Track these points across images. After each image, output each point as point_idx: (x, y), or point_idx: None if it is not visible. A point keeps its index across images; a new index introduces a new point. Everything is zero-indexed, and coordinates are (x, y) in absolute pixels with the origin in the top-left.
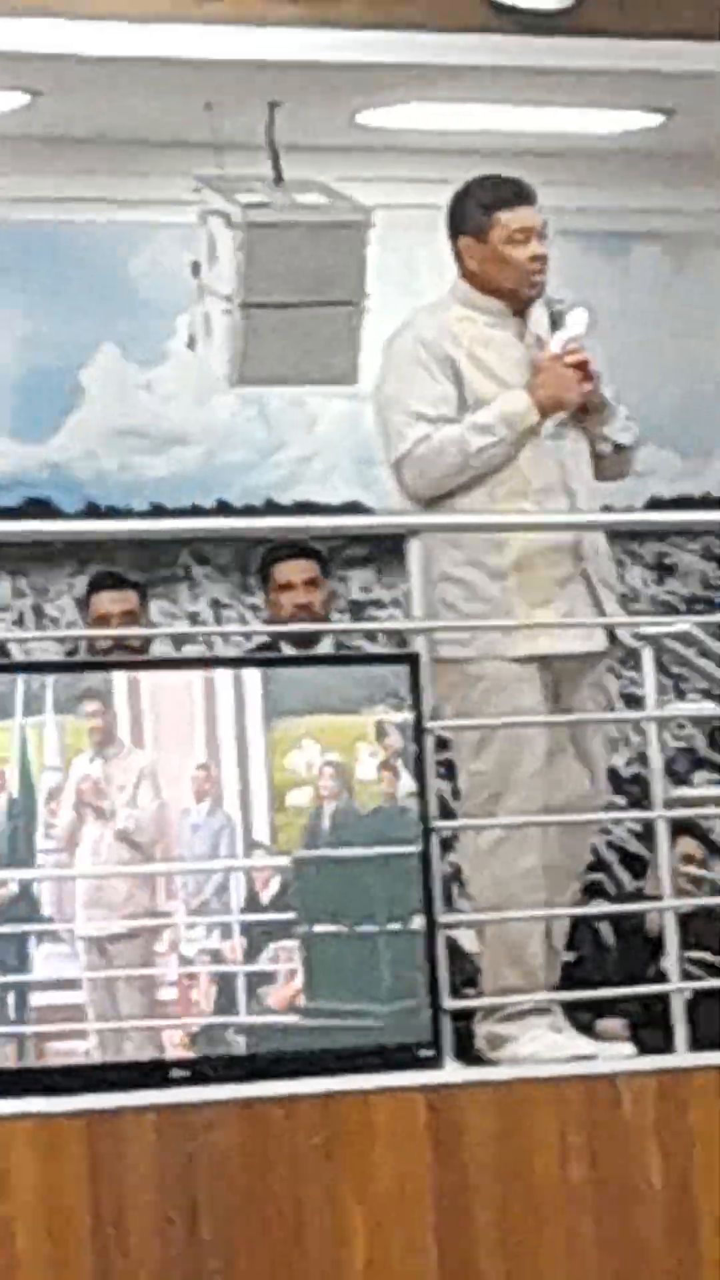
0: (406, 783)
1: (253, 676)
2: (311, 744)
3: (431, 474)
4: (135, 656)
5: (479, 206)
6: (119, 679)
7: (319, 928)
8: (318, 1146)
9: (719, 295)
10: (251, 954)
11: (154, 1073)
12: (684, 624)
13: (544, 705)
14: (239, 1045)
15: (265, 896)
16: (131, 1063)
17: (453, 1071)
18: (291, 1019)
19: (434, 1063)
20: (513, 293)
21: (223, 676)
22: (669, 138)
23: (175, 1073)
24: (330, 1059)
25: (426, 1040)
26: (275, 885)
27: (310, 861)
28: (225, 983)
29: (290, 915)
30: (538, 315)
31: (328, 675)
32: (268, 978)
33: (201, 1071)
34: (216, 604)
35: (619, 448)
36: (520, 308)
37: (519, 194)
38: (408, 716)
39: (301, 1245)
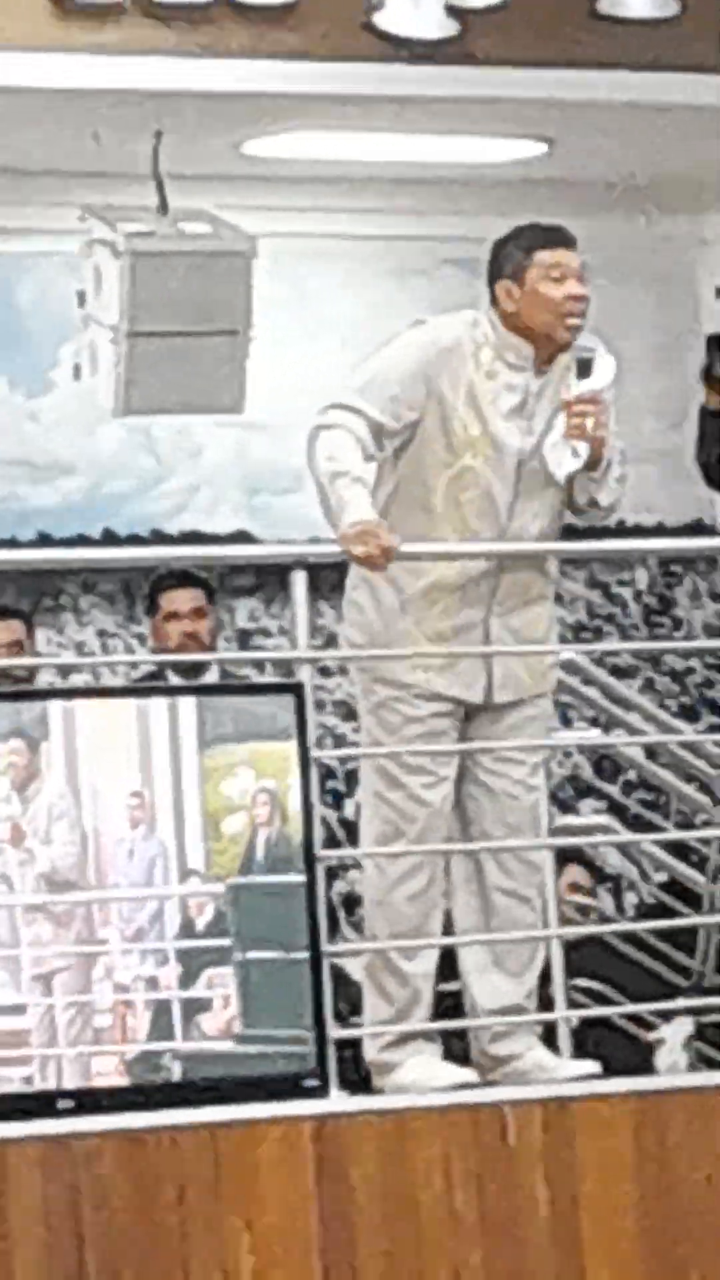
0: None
1: (187, 704)
2: (246, 771)
3: (312, 461)
4: (21, 687)
5: (519, 249)
6: (53, 709)
7: (253, 954)
8: (205, 1177)
9: (605, 322)
10: (187, 981)
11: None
12: (569, 652)
13: (446, 738)
14: (175, 1072)
15: (200, 923)
16: (20, 1094)
17: (339, 1100)
18: (226, 1045)
19: (319, 1092)
20: (546, 335)
21: (157, 705)
22: (553, 166)
23: (61, 1103)
24: (255, 1087)
25: (312, 1069)
26: (210, 912)
27: (245, 888)
28: (161, 1010)
29: (225, 941)
30: (567, 362)
31: (261, 703)
32: (203, 1004)
33: (137, 1099)
34: (102, 633)
35: (594, 503)
36: (551, 354)
37: (559, 236)
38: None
39: (187, 1276)
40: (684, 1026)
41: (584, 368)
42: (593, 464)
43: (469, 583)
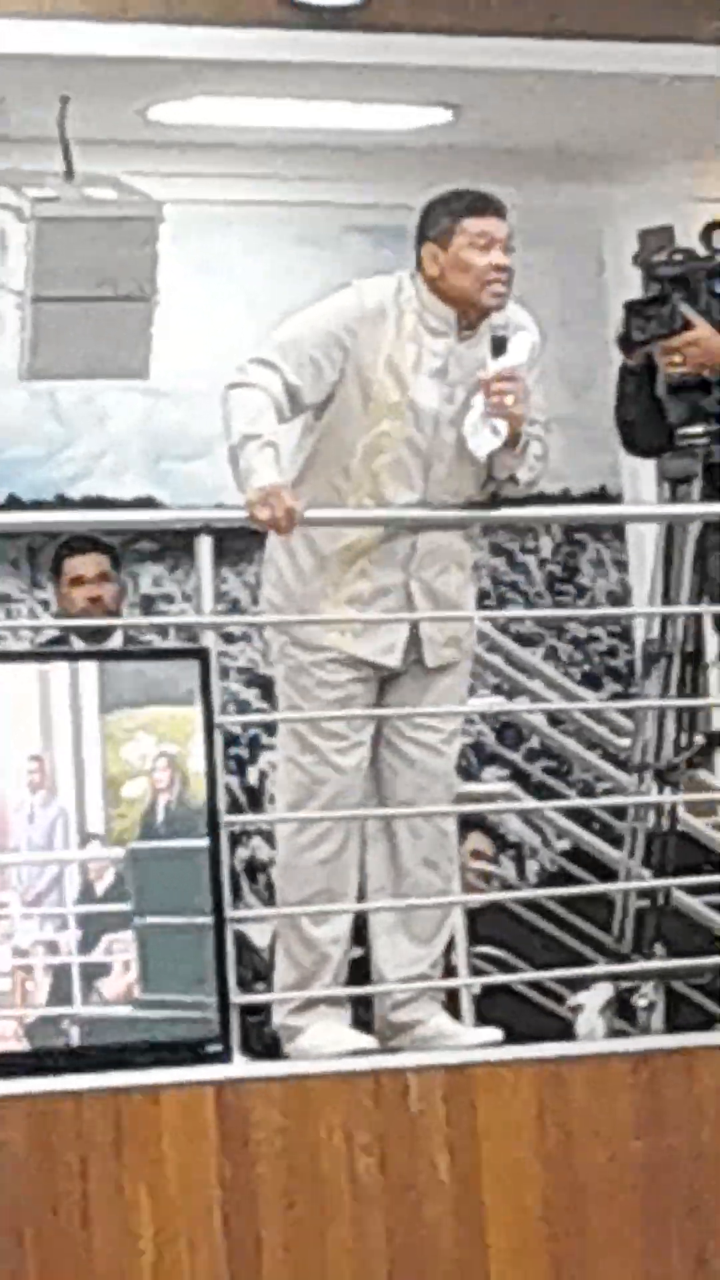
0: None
1: (88, 669)
2: (147, 736)
3: (224, 419)
4: None
5: (447, 214)
6: None
7: (153, 919)
8: (107, 1142)
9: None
10: (87, 946)
11: None
12: (474, 618)
13: (361, 701)
14: (74, 1037)
15: (100, 888)
16: None
17: (241, 1066)
18: (126, 1011)
19: (222, 1057)
20: (469, 301)
21: (58, 669)
22: (458, 134)
23: None
24: (157, 1052)
25: (214, 1035)
26: (110, 877)
27: (145, 853)
28: (60, 975)
29: (125, 906)
30: (486, 343)
31: (162, 668)
32: (103, 969)
33: (37, 1064)
34: (6, 598)
35: (513, 479)
36: (474, 320)
37: (487, 204)
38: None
39: (89, 1242)
40: (602, 993)
41: (499, 345)
42: (512, 441)
43: (386, 545)
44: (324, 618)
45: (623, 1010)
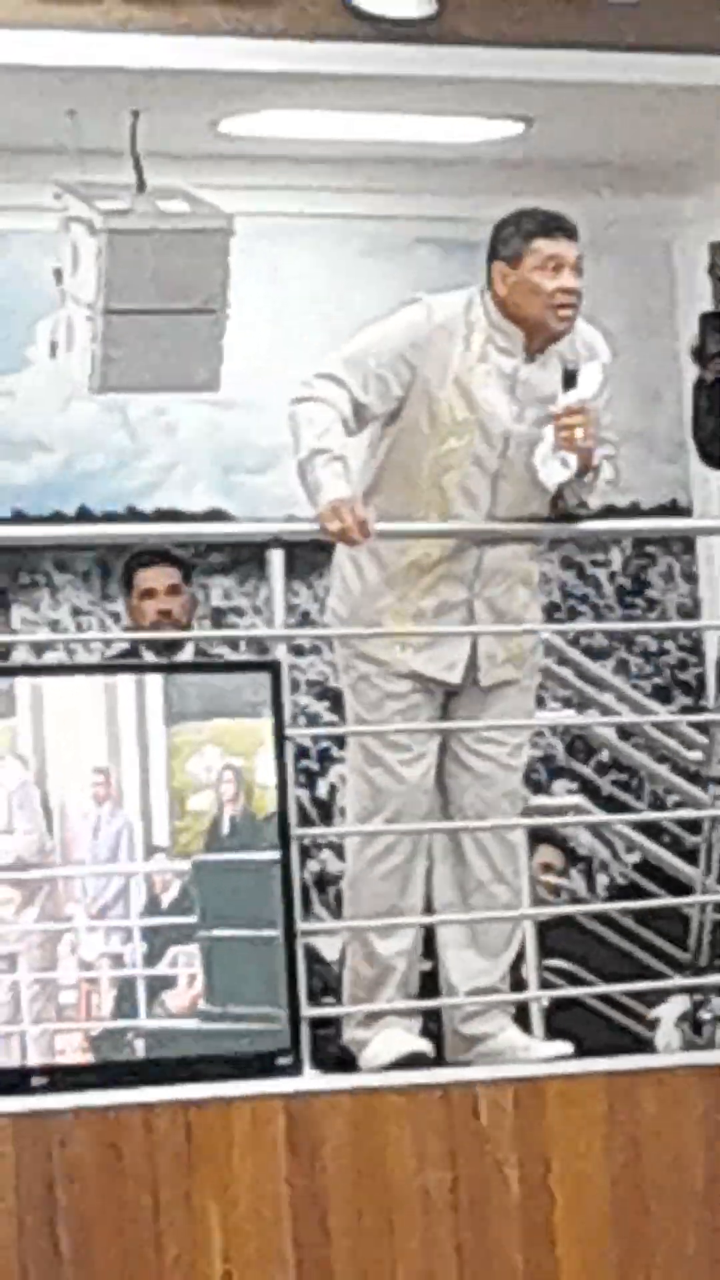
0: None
1: (154, 681)
2: (213, 749)
3: (293, 436)
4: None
5: (518, 234)
6: (21, 686)
7: (219, 932)
8: (177, 1155)
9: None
10: (152, 958)
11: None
12: (544, 632)
13: (425, 714)
14: (139, 1050)
15: (165, 900)
16: None
17: (311, 1079)
18: (192, 1023)
19: (293, 1070)
20: (536, 323)
21: (125, 682)
22: (529, 146)
23: (35, 1080)
24: (226, 1065)
25: (285, 1047)
26: (175, 889)
27: (210, 865)
28: (125, 987)
29: (190, 919)
30: (555, 364)
31: (229, 680)
32: (168, 982)
33: (101, 1077)
34: (77, 611)
35: (583, 505)
36: (542, 343)
37: (559, 226)
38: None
39: (160, 1253)
40: (678, 1005)
41: (569, 378)
42: (582, 471)
43: (451, 561)
44: (391, 630)
45: (693, 1025)
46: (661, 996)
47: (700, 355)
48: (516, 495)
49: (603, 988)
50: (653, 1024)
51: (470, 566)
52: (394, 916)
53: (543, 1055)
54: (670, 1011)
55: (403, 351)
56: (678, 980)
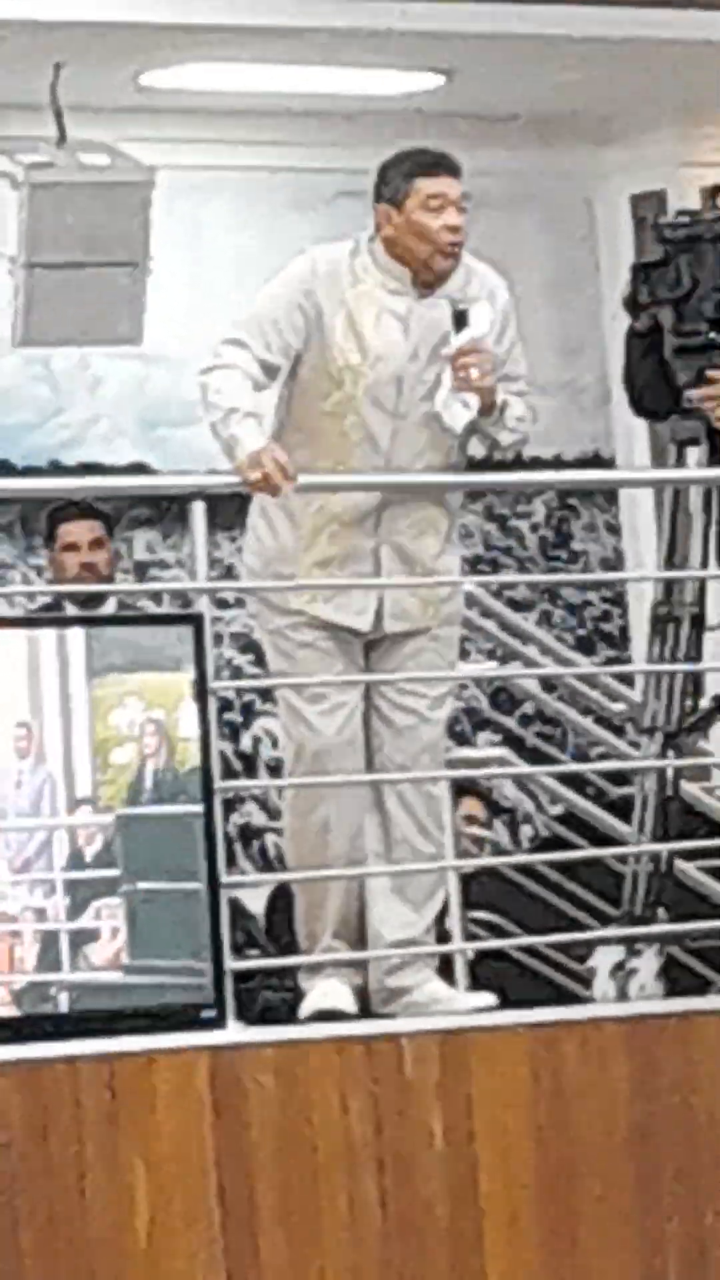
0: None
1: (76, 635)
2: (135, 702)
3: (206, 405)
4: None
5: (400, 174)
6: None
7: (142, 885)
8: (100, 1108)
9: (502, 255)
10: (75, 912)
11: None
12: (466, 584)
13: (341, 665)
14: (63, 1003)
15: (89, 854)
16: None
17: (236, 1032)
18: (115, 977)
19: (217, 1023)
20: (424, 263)
21: (47, 635)
22: (450, 99)
23: None
24: (150, 1019)
25: (209, 1001)
26: (99, 842)
27: (133, 818)
28: (49, 941)
29: (114, 872)
30: (444, 308)
31: (151, 633)
32: (91, 935)
33: (24, 1030)
34: (0, 564)
35: (496, 445)
36: (430, 281)
37: (441, 163)
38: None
39: (84, 1207)
40: (613, 955)
41: (459, 319)
42: (485, 410)
43: (354, 508)
44: (307, 583)
45: (627, 974)
46: (588, 948)
47: (632, 305)
48: (418, 438)
49: (527, 939)
50: (580, 975)
51: (375, 515)
52: (323, 868)
53: (466, 1007)
54: (606, 961)
55: (295, 301)
56: (611, 931)
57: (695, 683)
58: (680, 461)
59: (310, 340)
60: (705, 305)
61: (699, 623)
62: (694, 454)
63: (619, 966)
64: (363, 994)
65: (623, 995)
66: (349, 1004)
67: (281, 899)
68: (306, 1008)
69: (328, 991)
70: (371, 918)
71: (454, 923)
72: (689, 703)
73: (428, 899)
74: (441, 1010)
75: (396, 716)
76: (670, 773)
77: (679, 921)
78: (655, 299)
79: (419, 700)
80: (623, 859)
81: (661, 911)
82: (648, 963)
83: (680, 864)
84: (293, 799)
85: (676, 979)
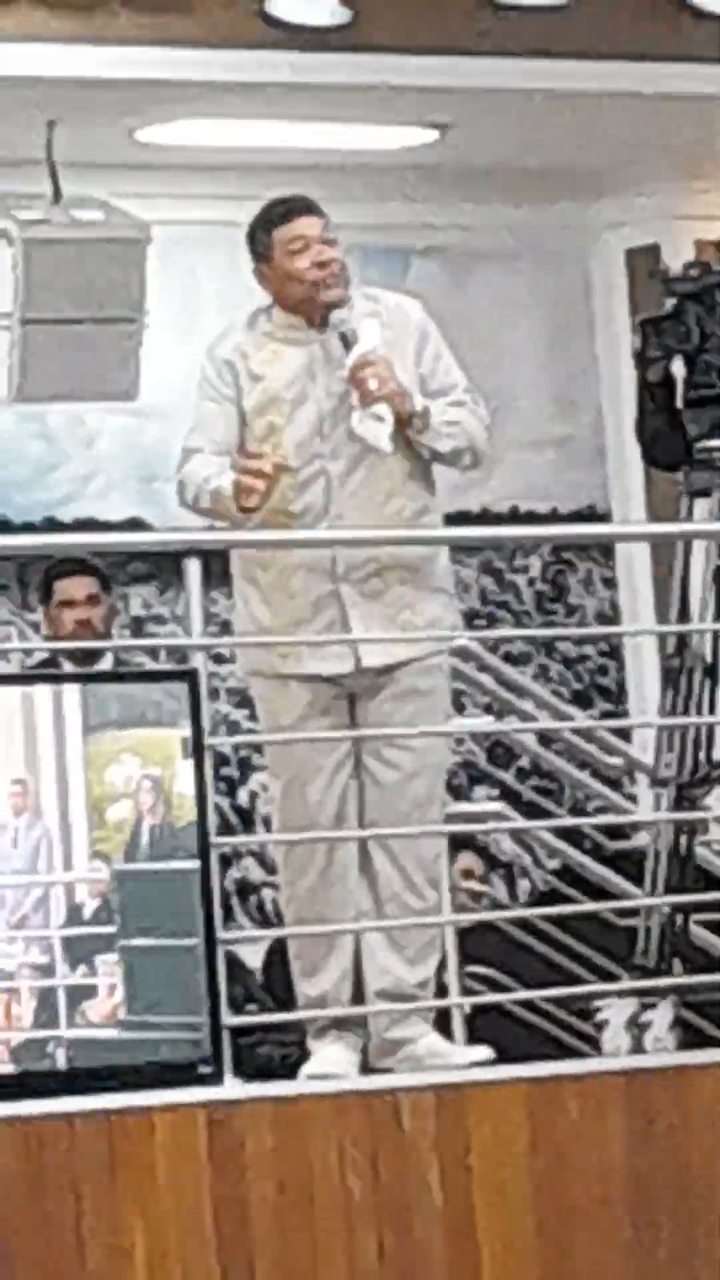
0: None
1: (71, 691)
2: (131, 758)
3: (186, 502)
4: None
5: (260, 230)
6: None
7: (139, 941)
8: (98, 1164)
9: (497, 309)
10: (73, 969)
11: None
12: (462, 639)
13: (327, 724)
14: (60, 1060)
15: (87, 911)
16: None
17: (233, 1088)
18: (113, 1033)
19: (214, 1079)
20: (308, 302)
21: (42, 692)
22: (445, 153)
23: None
24: (148, 1074)
25: (206, 1056)
26: (96, 900)
27: (131, 875)
28: (46, 997)
29: (110, 929)
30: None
31: (147, 689)
32: (89, 991)
33: (21, 1087)
34: None
35: (437, 455)
36: (324, 315)
37: (291, 208)
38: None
39: (83, 1263)
40: (626, 1008)
41: (346, 340)
42: (404, 421)
43: (310, 558)
44: (302, 639)
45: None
46: (587, 1002)
47: (641, 358)
48: (359, 474)
49: (526, 993)
50: (576, 1029)
51: (329, 560)
52: (319, 937)
53: (463, 1061)
54: (619, 1015)
55: (217, 400)
56: (599, 986)
57: (709, 735)
58: (691, 513)
59: (243, 417)
60: (717, 357)
61: (712, 674)
62: (702, 505)
63: (633, 1020)
64: (363, 1050)
65: (638, 1048)
66: (351, 1071)
67: (278, 954)
68: (307, 1072)
69: (331, 1059)
70: (367, 972)
71: (451, 977)
72: (701, 754)
73: (422, 953)
74: (439, 1064)
75: (382, 774)
76: (682, 826)
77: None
78: (665, 352)
79: (403, 754)
80: (625, 913)
81: (677, 964)
82: (662, 1015)
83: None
84: (284, 864)
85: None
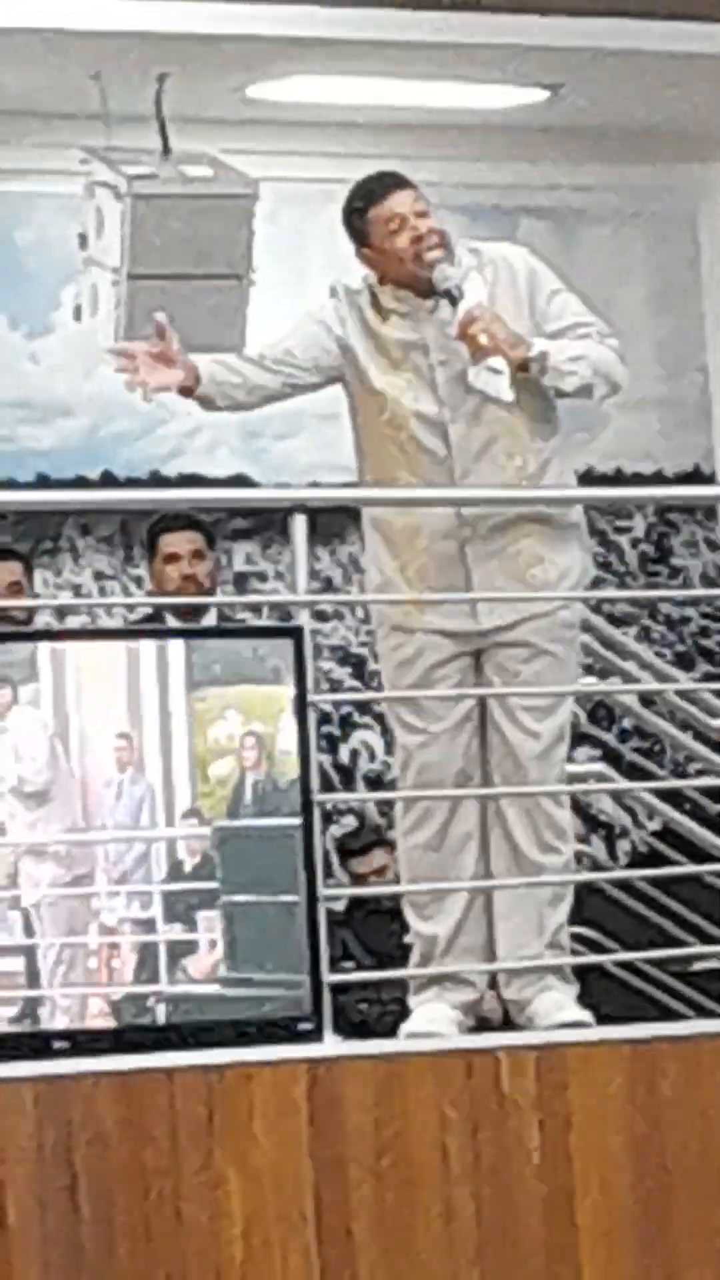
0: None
1: (176, 647)
2: (235, 715)
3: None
4: (19, 628)
5: (355, 213)
6: (43, 650)
7: (240, 897)
8: (197, 1121)
9: (605, 270)
10: (173, 923)
11: (38, 1044)
12: (566, 599)
13: (453, 679)
14: (160, 1015)
15: (188, 866)
16: (9, 1034)
17: (332, 1045)
18: (213, 989)
19: (314, 1036)
20: (414, 277)
21: (147, 647)
22: (556, 113)
23: (56, 1044)
24: (248, 1031)
25: (307, 1013)
26: (198, 855)
27: (232, 831)
28: (147, 953)
29: (212, 885)
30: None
31: (251, 646)
32: (190, 948)
33: (122, 1042)
34: (100, 575)
35: (561, 393)
36: (428, 287)
37: (380, 187)
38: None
39: (180, 1219)
40: None
41: (451, 298)
42: (522, 366)
43: (433, 517)
44: (416, 597)
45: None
46: (687, 964)
47: None
48: (479, 431)
49: (628, 955)
50: (683, 995)
51: (450, 516)
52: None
53: (564, 1020)
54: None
55: (315, 331)
56: (701, 949)
57: None
58: None
59: (345, 366)
60: None
61: None
62: None
63: None
64: (475, 1010)
65: None
66: (450, 1030)
67: (374, 911)
68: (407, 1030)
69: (432, 1017)
70: (496, 933)
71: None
72: None
73: (542, 915)
74: (541, 1025)
75: (507, 730)
76: None
77: None
78: None
79: (525, 714)
80: None
81: None
82: None
83: None
84: (402, 818)
85: None
